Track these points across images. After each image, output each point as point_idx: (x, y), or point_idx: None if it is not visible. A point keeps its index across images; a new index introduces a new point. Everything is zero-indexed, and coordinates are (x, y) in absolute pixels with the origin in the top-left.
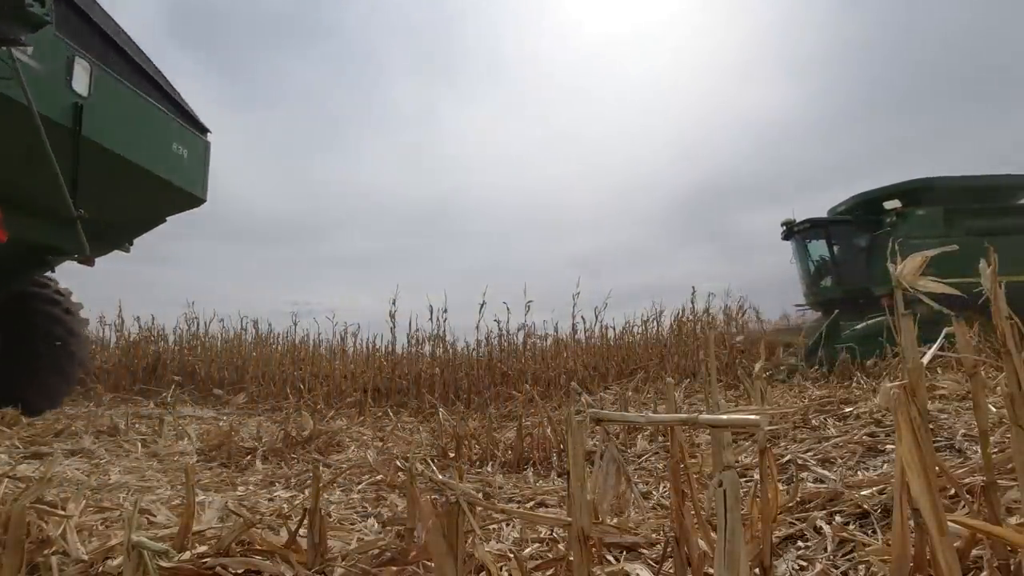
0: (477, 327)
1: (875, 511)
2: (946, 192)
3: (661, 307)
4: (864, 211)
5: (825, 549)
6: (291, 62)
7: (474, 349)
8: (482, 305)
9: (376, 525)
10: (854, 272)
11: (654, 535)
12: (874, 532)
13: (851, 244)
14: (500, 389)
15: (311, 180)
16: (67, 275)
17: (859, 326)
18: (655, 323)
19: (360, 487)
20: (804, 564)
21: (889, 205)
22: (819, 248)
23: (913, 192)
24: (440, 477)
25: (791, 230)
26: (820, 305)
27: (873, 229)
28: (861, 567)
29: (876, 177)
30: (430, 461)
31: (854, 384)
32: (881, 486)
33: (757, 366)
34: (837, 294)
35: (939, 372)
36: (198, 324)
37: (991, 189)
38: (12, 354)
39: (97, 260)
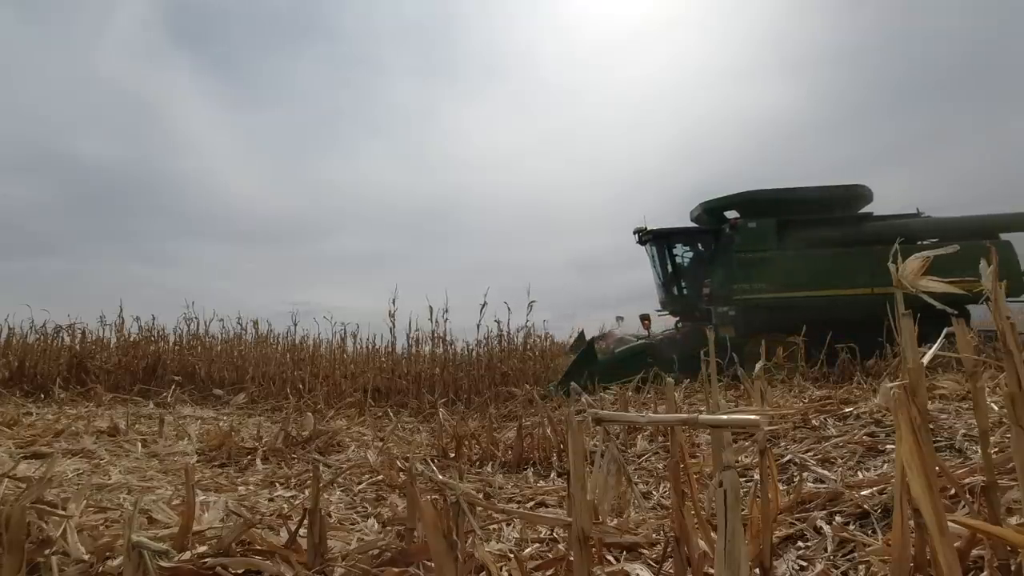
0: (478, 327)
1: (875, 511)
2: (780, 204)
3: None
4: (708, 220)
5: (825, 549)
6: (291, 62)
7: (473, 349)
8: (483, 305)
9: (376, 525)
10: (694, 282)
11: (654, 535)
12: (874, 532)
13: (693, 254)
14: (500, 389)
15: (311, 180)
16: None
17: (619, 350)
18: None
19: (360, 487)
20: (804, 564)
21: (728, 215)
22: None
23: (748, 204)
24: (440, 477)
25: (641, 238)
26: (673, 313)
27: (714, 240)
28: (861, 567)
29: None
30: (430, 461)
31: (854, 384)
32: (881, 486)
33: (758, 366)
34: (679, 304)
35: (939, 372)
36: (198, 324)
37: (827, 200)
38: None
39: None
